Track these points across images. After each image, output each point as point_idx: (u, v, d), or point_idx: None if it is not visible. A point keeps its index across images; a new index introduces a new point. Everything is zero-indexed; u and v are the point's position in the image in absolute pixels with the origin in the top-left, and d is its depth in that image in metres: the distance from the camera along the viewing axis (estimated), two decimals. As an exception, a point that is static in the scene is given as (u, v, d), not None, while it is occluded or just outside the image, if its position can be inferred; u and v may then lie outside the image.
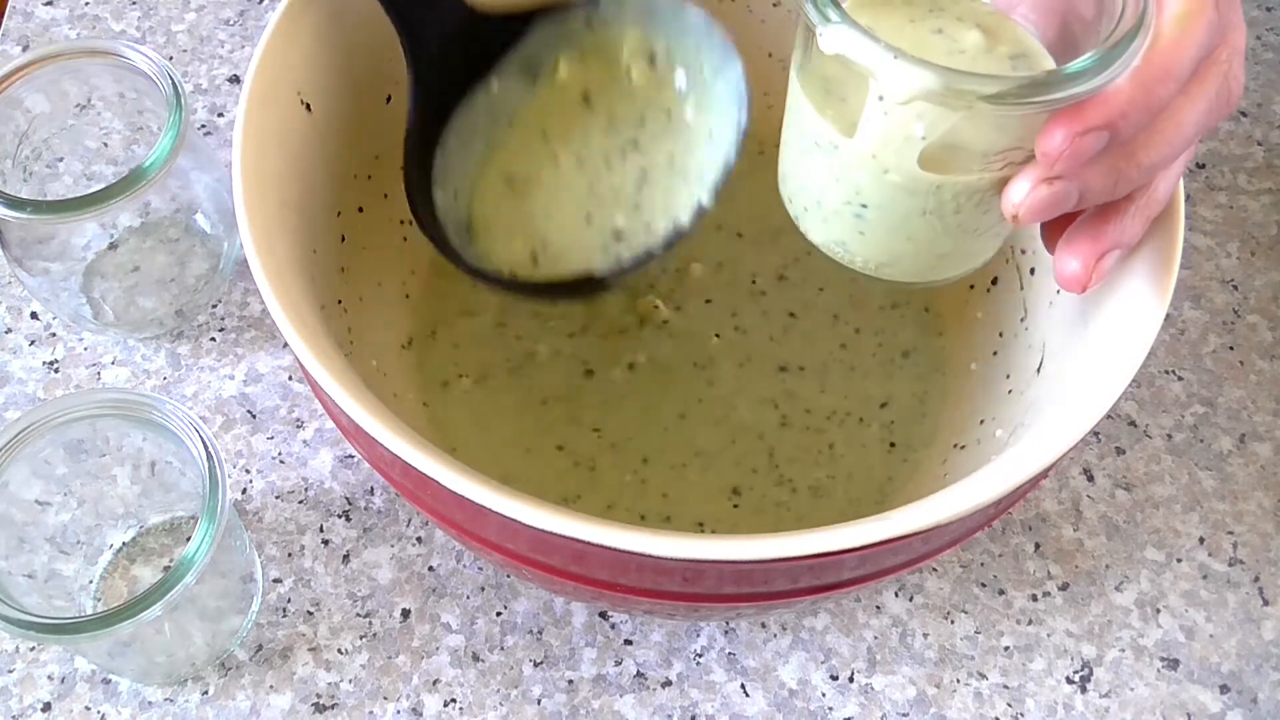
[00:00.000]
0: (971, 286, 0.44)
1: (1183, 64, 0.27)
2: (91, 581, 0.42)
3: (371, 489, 0.45)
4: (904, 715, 0.41)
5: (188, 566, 0.35)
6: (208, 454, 0.36)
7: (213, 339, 0.48)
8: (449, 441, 0.43)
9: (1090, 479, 0.46)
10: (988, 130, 0.28)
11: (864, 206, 0.31)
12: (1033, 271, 0.40)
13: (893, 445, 0.43)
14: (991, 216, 0.30)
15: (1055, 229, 0.32)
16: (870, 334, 0.46)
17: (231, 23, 0.57)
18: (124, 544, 0.43)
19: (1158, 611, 0.43)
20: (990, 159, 0.29)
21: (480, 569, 0.43)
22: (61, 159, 0.48)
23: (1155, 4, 0.28)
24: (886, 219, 0.31)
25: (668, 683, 0.41)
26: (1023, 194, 0.28)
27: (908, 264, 0.32)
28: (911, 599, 0.43)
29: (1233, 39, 0.29)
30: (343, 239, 0.40)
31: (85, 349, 0.48)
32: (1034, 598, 0.43)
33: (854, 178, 0.30)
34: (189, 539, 0.36)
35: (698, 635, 0.42)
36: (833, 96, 0.30)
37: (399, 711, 0.40)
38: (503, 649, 0.42)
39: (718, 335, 0.46)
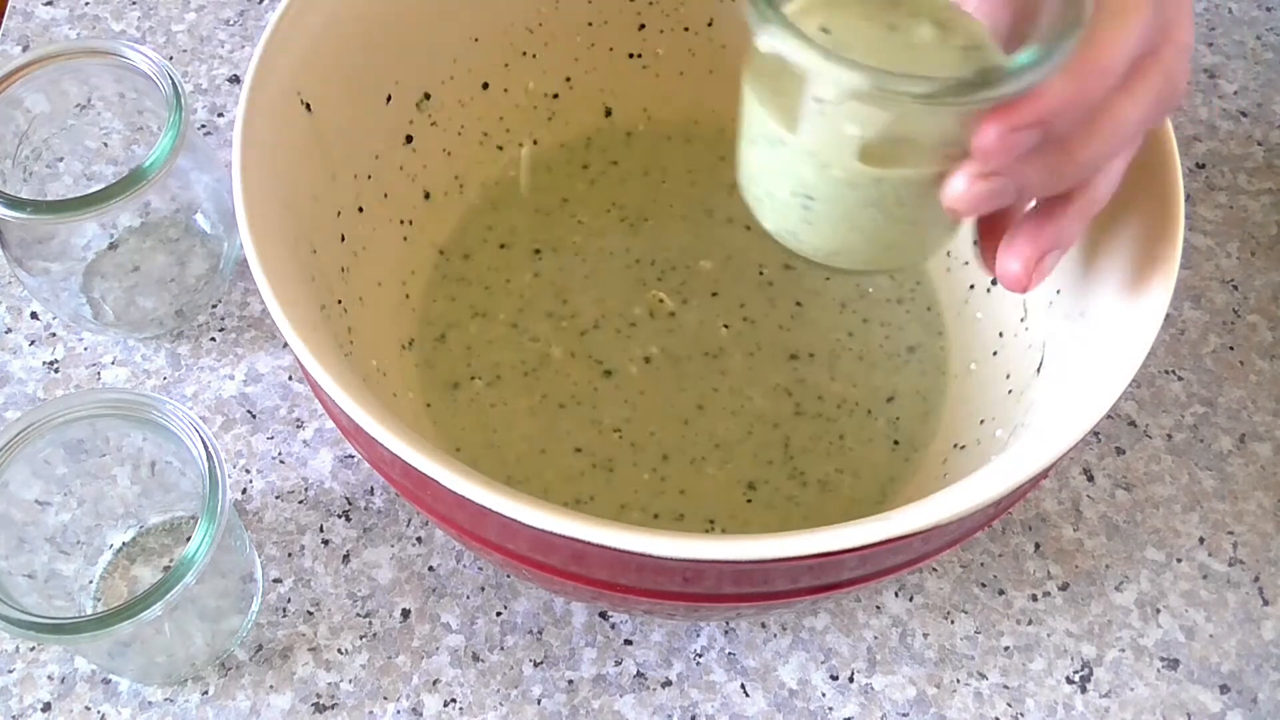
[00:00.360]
0: (971, 286, 0.44)
1: (1116, 60, 0.27)
2: (91, 581, 0.42)
3: (371, 489, 0.45)
4: (904, 715, 0.41)
5: (188, 566, 0.35)
6: (208, 454, 0.36)
7: (213, 339, 0.48)
8: (453, 442, 0.43)
9: (1090, 479, 0.46)
10: (927, 126, 0.29)
11: (810, 199, 0.31)
12: (1033, 271, 0.40)
13: (896, 443, 0.44)
14: (937, 208, 0.31)
15: (989, 233, 0.32)
16: (876, 324, 0.46)
17: (231, 23, 0.57)
18: (124, 544, 0.43)
19: (1158, 611, 0.43)
20: (933, 153, 0.29)
21: (480, 569, 0.43)
22: (61, 159, 0.48)
23: (1093, 2, 0.27)
24: (832, 211, 0.31)
25: (668, 683, 0.41)
26: (960, 189, 0.28)
27: (857, 253, 0.33)
28: (911, 599, 0.43)
29: (1177, 36, 0.29)
30: (343, 239, 0.40)
31: (85, 349, 0.48)
32: (1034, 598, 0.43)
33: (798, 172, 0.31)
34: (189, 539, 0.36)
35: (698, 635, 0.42)
36: (777, 93, 0.31)
37: (399, 711, 0.40)
38: (503, 649, 0.42)
39: (726, 326, 0.46)
